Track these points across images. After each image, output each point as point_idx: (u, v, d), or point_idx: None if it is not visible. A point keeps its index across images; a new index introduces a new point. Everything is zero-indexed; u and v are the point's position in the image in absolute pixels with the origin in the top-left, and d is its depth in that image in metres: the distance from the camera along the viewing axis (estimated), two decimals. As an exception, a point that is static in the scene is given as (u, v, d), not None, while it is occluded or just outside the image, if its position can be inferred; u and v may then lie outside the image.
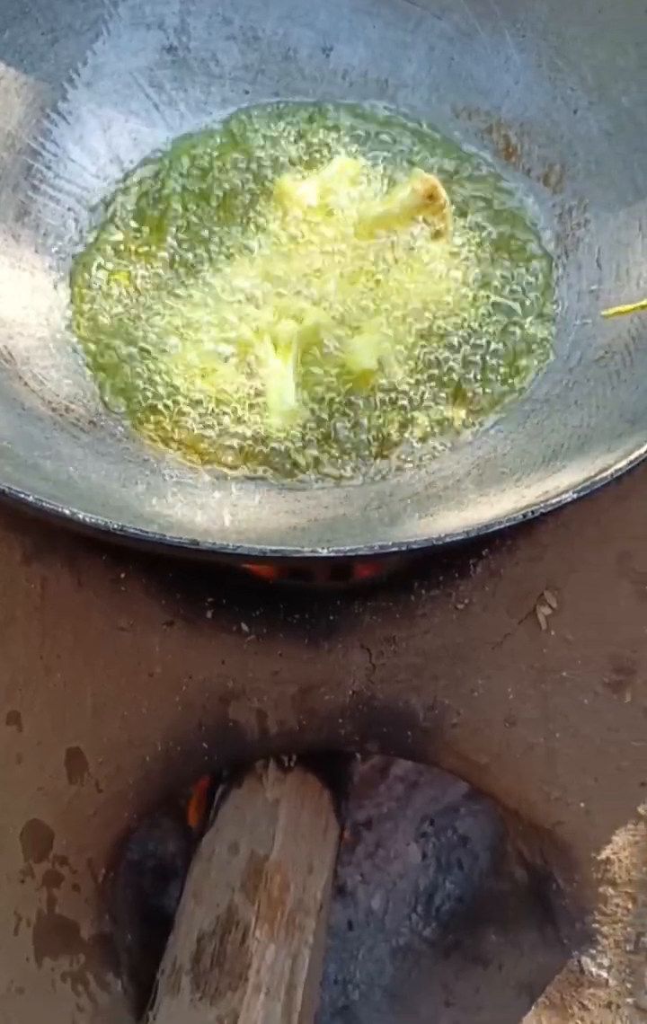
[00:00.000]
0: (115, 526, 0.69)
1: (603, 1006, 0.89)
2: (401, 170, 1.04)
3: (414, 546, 0.71)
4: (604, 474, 0.75)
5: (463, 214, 1.02)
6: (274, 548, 0.71)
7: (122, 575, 0.90)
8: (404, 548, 0.71)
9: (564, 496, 0.74)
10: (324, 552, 0.70)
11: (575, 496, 0.74)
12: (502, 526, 0.72)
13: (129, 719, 0.89)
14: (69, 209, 1.03)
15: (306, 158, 1.05)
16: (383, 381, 0.92)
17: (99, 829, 0.90)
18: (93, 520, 0.70)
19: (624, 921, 0.90)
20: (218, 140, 1.06)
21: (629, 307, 0.94)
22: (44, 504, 0.70)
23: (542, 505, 0.73)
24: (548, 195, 1.04)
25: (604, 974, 0.90)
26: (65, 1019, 0.89)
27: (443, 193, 0.99)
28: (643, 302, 0.93)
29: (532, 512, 0.73)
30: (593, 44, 1.03)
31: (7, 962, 0.88)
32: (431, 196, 0.98)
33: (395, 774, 1.12)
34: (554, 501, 0.73)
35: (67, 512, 0.70)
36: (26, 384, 0.91)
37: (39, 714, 0.89)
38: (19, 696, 0.89)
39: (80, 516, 0.70)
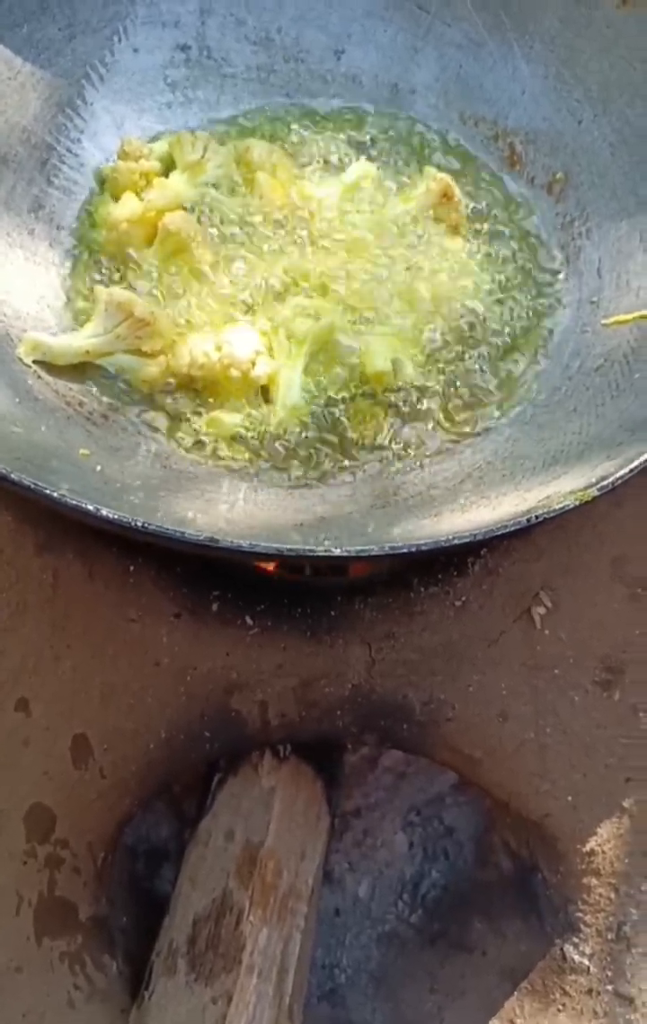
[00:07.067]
0: (138, 523, 0.71)
1: (584, 992, 0.92)
2: (414, 172, 1.06)
3: (423, 547, 0.73)
4: (605, 482, 0.77)
5: (475, 220, 1.05)
6: (290, 547, 0.73)
7: (132, 568, 0.92)
8: (414, 549, 0.73)
9: (566, 502, 0.76)
10: (338, 552, 0.72)
11: (577, 503, 0.76)
12: (508, 530, 0.74)
13: (135, 707, 0.91)
14: (83, 204, 1.04)
15: (320, 160, 1.07)
16: (393, 382, 0.94)
17: (101, 814, 0.93)
18: (116, 517, 0.71)
19: (606, 911, 0.93)
20: (230, 139, 1.08)
21: (629, 317, 0.96)
22: (69, 501, 0.72)
23: (546, 511, 0.75)
24: (551, 204, 1.07)
25: (586, 962, 0.93)
26: (62, 997, 0.91)
27: (457, 191, 1.02)
28: (643, 312, 0.95)
29: (537, 517, 0.75)
30: (601, 57, 1.05)
31: (7, 941, 0.90)
32: (446, 195, 1.01)
33: (384, 764, 1.14)
34: (558, 507, 0.75)
35: (91, 508, 0.72)
36: (40, 377, 0.92)
37: (47, 700, 0.91)
38: (28, 682, 0.91)
39: (103, 512, 0.72)
